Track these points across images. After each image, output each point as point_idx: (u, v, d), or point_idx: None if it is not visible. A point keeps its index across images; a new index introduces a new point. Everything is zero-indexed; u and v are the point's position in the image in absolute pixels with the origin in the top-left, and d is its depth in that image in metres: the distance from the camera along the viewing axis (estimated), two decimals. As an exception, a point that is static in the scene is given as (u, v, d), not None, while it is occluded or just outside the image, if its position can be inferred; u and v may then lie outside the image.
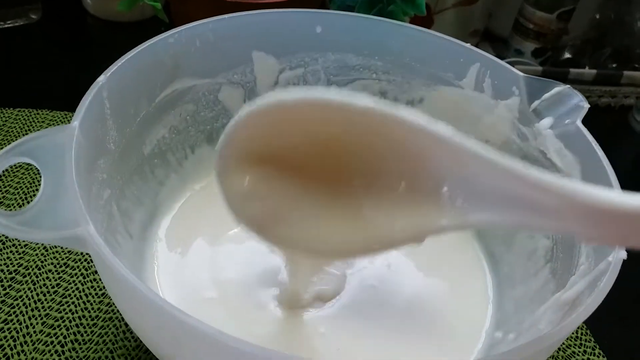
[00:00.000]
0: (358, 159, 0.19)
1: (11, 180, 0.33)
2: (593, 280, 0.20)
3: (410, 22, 0.30)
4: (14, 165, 0.34)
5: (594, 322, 0.30)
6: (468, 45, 0.29)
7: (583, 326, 0.30)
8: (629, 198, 0.14)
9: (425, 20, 0.45)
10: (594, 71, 0.46)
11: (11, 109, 0.38)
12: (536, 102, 0.26)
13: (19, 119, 0.37)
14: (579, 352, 0.29)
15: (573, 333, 0.30)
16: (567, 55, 0.49)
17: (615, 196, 0.14)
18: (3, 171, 0.33)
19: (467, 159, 0.17)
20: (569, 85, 0.26)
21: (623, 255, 0.19)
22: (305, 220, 0.20)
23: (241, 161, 0.19)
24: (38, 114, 0.38)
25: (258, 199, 0.20)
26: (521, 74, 0.27)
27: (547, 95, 0.26)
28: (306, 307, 0.24)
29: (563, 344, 0.29)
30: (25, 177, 0.33)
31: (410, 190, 0.19)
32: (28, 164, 0.33)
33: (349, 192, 0.20)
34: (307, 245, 0.21)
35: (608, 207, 0.14)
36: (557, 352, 0.29)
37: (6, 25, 0.46)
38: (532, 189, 0.16)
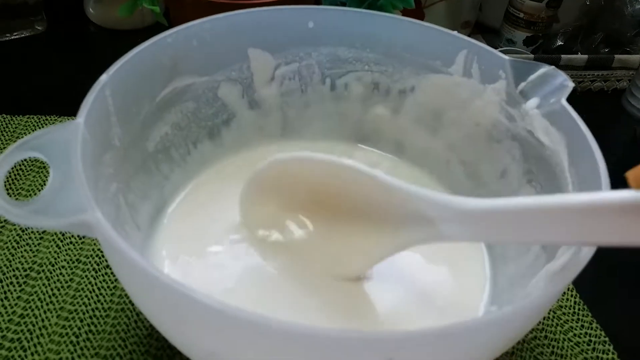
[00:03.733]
0: (336, 197, 0.26)
1: (23, 182, 0.34)
2: (578, 249, 0.20)
3: (403, 16, 0.31)
4: (26, 167, 0.35)
5: (591, 299, 0.31)
6: (455, 32, 0.29)
7: (580, 302, 0.31)
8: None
9: (417, 13, 0.46)
10: (585, 56, 0.47)
11: (20, 116, 0.39)
12: (522, 84, 0.27)
13: (29, 125, 0.38)
14: (577, 326, 0.30)
15: (570, 309, 0.30)
16: (559, 42, 0.49)
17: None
18: (15, 172, 0.34)
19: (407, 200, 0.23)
20: (553, 66, 0.26)
21: None
22: (289, 239, 0.27)
23: (258, 194, 0.27)
24: (46, 119, 0.39)
25: (263, 221, 0.28)
26: (507, 57, 0.28)
27: (532, 76, 0.27)
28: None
29: (561, 319, 0.30)
30: (37, 179, 0.35)
31: (367, 220, 0.25)
32: (40, 165, 0.35)
33: (325, 222, 0.27)
34: (295, 267, 0.27)
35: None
36: (556, 328, 0.30)
37: (13, 37, 0.48)
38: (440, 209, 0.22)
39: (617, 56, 0.48)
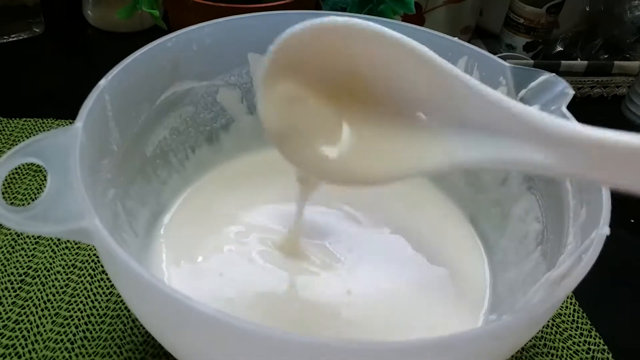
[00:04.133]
0: (377, 83, 0.22)
1: (19, 186, 0.34)
2: (579, 258, 0.20)
3: (403, 21, 0.31)
4: (22, 171, 0.35)
5: (590, 307, 0.31)
6: (456, 39, 0.29)
7: (580, 310, 0.31)
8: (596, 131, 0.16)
9: (417, 19, 0.46)
10: (585, 62, 0.47)
11: (18, 119, 0.39)
12: (523, 91, 0.27)
13: (26, 128, 0.38)
14: (576, 334, 0.30)
15: (570, 317, 0.30)
16: (559, 48, 0.49)
17: (578, 127, 0.17)
18: (12, 176, 0.34)
19: (462, 91, 0.20)
20: (554, 74, 0.26)
21: (606, 231, 0.20)
22: (319, 138, 0.23)
23: (284, 69, 0.22)
24: (44, 123, 0.39)
25: (288, 107, 0.22)
26: (507, 64, 0.28)
27: (533, 83, 0.27)
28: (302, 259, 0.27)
29: (560, 327, 0.30)
30: (33, 183, 0.34)
31: (413, 121, 0.22)
32: (36, 169, 0.34)
33: (362, 117, 0.22)
34: (316, 165, 0.23)
35: (574, 137, 0.17)
36: (555, 336, 0.29)
37: (10, 39, 0.47)
38: (514, 121, 0.18)
39: (616, 62, 0.48)
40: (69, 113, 0.39)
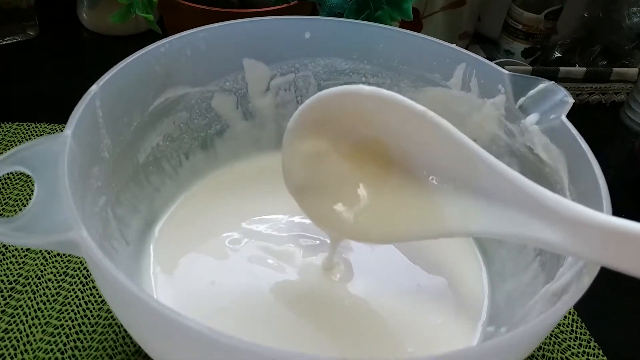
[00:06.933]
0: (396, 148, 0.23)
1: (10, 192, 0.33)
2: (579, 271, 0.20)
3: (401, 27, 0.31)
4: (13, 177, 0.34)
5: (588, 317, 0.31)
6: (454, 45, 0.29)
7: (578, 320, 0.30)
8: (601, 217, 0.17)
9: (415, 25, 0.45)
10: (583, 69, 0.47)
11: (10, 123, 0.38)
12: (522, 99, 0.27)
13: (18, 132, 0.38)
14: (575, 345, 0.29)
15: (568, 327, 0.30)
16: (557, 54, 0.49)
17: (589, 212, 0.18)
18: (2, 183, 0.34)
19: (480, 166, 0.20)
20: (553, 82, 0.26)
21: None
22: (337, 195, 0.24)
23: (312, 125, 0.23)
24: (37, 127, 0.38)
25: (311, 161, 0.24)
26: (506, 72, 0.27)
27: (532, 91, 0.26)
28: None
29: (558, 337, 0.29)
30: (24, 189, 0.34)
31: (427, 186, 0.23)
32: (27, 175, 0.34)
33: (379, 179, 0.24)
34: (332, 222, 0.24)
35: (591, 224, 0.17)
36: (553, 347, 0.29)
37: (4, 42, 0.47)
38: (524, 195, 0.19)
39: (615, 69, 0.47)
40: (63, 117, 0.38)
